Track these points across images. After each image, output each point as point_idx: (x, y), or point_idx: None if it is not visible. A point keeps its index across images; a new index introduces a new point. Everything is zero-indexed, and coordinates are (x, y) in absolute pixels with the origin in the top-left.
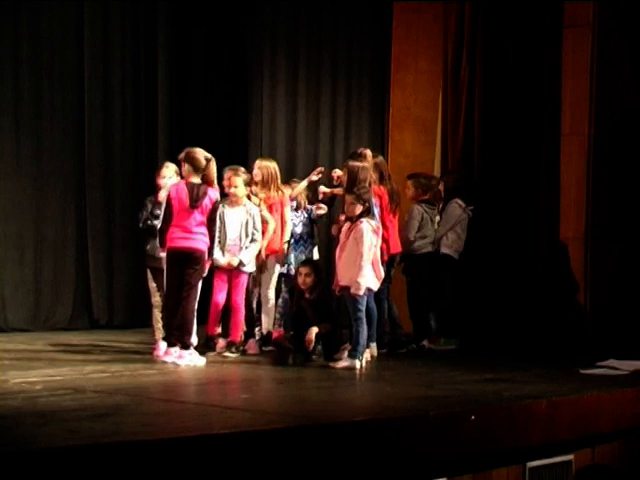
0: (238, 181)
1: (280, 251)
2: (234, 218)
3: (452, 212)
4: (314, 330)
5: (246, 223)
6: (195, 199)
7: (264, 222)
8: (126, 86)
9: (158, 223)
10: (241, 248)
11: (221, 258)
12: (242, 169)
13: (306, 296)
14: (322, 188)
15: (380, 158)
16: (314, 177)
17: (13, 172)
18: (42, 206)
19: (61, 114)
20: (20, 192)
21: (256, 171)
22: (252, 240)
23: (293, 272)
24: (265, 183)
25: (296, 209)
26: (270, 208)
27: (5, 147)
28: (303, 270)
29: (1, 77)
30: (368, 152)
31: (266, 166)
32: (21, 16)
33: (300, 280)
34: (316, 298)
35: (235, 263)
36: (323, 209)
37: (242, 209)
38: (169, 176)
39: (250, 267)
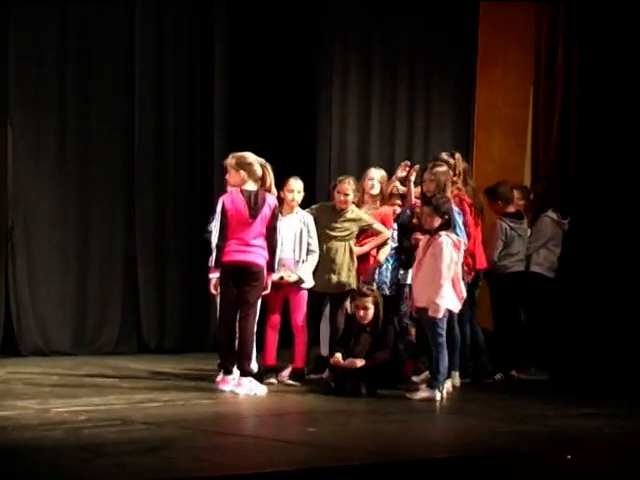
0: (296, 185)
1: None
2: (287, 228)
3: (544, 228)
4: (356, 362)
5: (300, 233)
6: (254, 208)
7: (376, 234)
8: (180, 85)
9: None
10: (297, 262)
11: (274, 273)
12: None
13: (366, 330)
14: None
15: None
16: (400, 173)
17: (56, 176)
18: (87, 214)
19: (109, 114)
20: (64, 198)
21: (376, 183)
22: (308, 252)
23: (387, 293)
24: (378, 197)
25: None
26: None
27: (48, 149)
28: (360, 303)
29: (45, 72)
30: (458, 155)
31: (384, 178)
32: (69, 13)
33: (358, 315)
34: (375, 329)
35: (292, 279)
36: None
37: (295, 217)
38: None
39: (309, 283)
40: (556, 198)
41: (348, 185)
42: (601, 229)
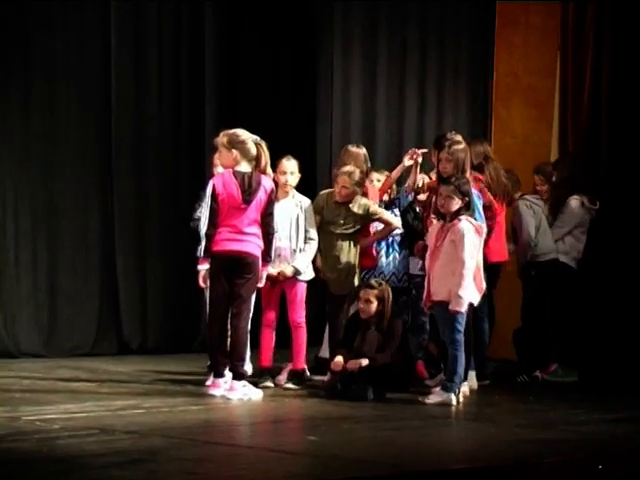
0: (289, 166)
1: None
2: (282, 214)
3: (573, 210)
4: (360, 361)
5: (297, 219)
6: (248, 192)
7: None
8: (164, 49)
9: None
10: (294, 251)
11: (269, 264)
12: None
13: (372, 328)
14: (424, 178)
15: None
16: (407, 162)
17: (22, 155)
18: (57, 198)
19: (81, 81)
20: (30, 180)
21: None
22: (306, 240)
23: (397, 284)
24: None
25: (386, 206)
26: None
27: (11, 122)
28: (363, 295)
29: (7, 33)
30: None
31: (357, 154)
32: None
33: (360, 306)
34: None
35: (289, 272)
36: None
37: (290, 202)
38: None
39: (308, 274)
40: (583, 179)
41: (347, 178)
42: (634, 214)
